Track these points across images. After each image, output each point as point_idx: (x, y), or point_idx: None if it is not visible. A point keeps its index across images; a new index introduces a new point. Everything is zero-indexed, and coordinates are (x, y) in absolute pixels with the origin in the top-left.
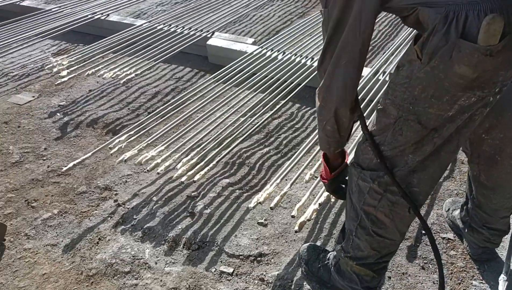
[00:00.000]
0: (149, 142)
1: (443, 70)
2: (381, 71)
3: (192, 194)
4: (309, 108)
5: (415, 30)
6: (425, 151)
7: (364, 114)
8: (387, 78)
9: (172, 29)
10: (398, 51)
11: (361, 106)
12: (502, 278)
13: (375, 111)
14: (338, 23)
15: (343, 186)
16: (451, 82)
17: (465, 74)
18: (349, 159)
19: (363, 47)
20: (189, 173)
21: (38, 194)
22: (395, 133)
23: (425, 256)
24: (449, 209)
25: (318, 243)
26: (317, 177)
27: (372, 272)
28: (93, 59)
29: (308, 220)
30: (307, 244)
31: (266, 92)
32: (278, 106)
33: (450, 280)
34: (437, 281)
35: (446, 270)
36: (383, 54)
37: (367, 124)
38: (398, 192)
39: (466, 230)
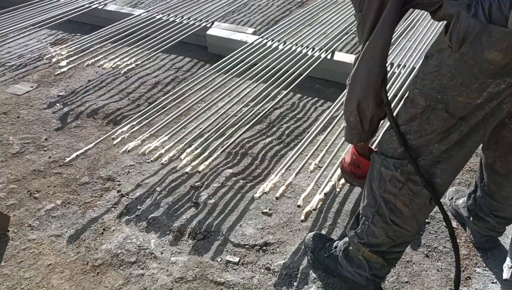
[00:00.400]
0: (152, 132)
1: (473, 57)
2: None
3: (196, 184)
4: (310, 98)
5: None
6: (451, 140)
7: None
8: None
9: (171, 19)
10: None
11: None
12: (506, 265)
13: (401, 102)
14: (374, 25)
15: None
16: (481, 68)
17: (496, 60)
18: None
19: (384, 45)
20: (193, 163)
21: (41, 185)
22: (422, 122)
23: (429, 245)
24: (452, 198)
25: (323, 232)
26: (321, 167)
27: (383, 260)
28: (92, 49)
29: (314, 209)
30: (313, 233)
31: (268, 82)
32: (279, 96)
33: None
34: (441, 268)
35: (450, 258)
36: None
37: (393, 114)
38: (420, 182)
39: (471, 219)
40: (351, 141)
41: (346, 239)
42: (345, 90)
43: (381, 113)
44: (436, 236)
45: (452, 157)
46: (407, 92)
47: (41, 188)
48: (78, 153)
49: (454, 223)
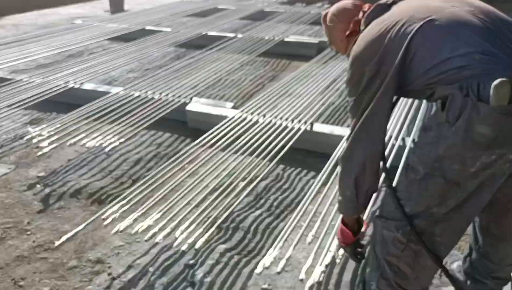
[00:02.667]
0: (143, 211)
1: (467, 130)
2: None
3: (190, 262)
4: (293, 168)
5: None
6: (450, 205)
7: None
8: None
9: (149, 96)
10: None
11: None
12: None
13: (400, 170)
14: (366, 109)
15: (360, 250)
16: (473, 141)
17: (485, 133)
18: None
19: (380, 127)
20: (189, 240)
21: (25, 272)
22: (420, 189)
23: None
24: (446, 263)
25: None
26: (318, 238)
27: None
28: (73, 128)
29: (318, 283)
30: None
31: (252, 155)
32: (265, 169)
33: None
34: None
35: None
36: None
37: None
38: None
39: (468, 282)
40: (346, 213)
41: None
42: (338, 168)
43: (376, 187)
44: None
45: (452, 219)
46: (406, 159)
47: (26, 275)
48: (68, 236)
49: (452, 288)
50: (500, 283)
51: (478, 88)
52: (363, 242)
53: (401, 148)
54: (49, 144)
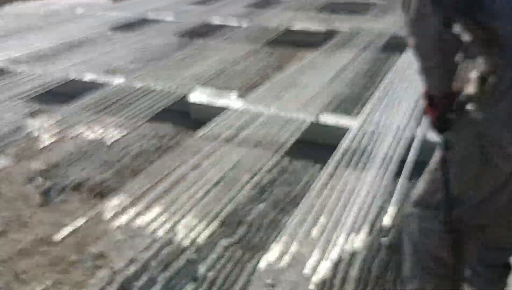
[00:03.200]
0: (145, 204)
1: (509, 113)
2: (368, 121)
3: (193, 256)
4: (299, 161)
5: None
6: (485, 190)
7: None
8: (372, 129)
9: (151, 87)
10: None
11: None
12: None
13: (436, 153)
14: None
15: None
16: None
17: None
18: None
19: None
20: (191, 235)
21: (28, 266)
22: (457, 167)
23: None
24: None
25: None
26: (323, 232)
27: None
28: (75, 120)
29: (323, 278)
30: None
31: (256, 147)
32: (270, 161)
33: None
34: None
35: None
36: (366, 104)
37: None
38: (460, 230)
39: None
40: (437, 91)
41: None
42: (409, 33)
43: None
44: None
45: (496, 200)
46: (444, 139)
47: (29, 268)
48: (69, 229)
49: None
50: (495, 270)
51: None
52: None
53: (409, 139)
54: (50, 136)
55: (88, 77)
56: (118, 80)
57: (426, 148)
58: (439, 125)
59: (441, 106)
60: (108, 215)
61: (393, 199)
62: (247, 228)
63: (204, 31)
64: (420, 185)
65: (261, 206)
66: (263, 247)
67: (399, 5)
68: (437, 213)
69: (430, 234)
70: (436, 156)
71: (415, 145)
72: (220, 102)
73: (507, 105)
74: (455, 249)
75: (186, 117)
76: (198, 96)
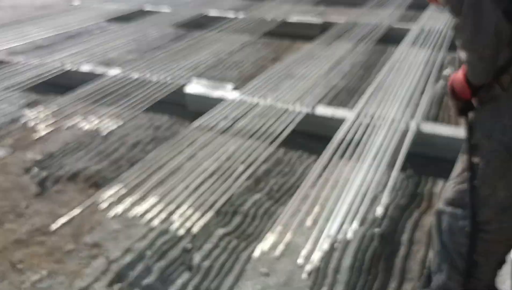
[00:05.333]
0: (140, 194)
1: None
2: (362, 114)
3: (188, 246)
4: (294, 152)
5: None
6: None
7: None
8: (367, 121)
9: (148, 78)
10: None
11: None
12: None
13: (460, 157)
14: None
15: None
16: None
17: None
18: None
19: None
20: (186, 224)
21: (24, 255)
22: (484, 166)
23: None
24: None
25: (324, 289)
26: (317, 222)
27: None
28: (70, 111)
29: (317, 267)
30: None
31: (252, 138)
32: (265, 152)
33: None
34: None
35: None
36: (362, 96)
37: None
38: (491, 230)
39: None
40: (485, 79)
41: None
42: (464, 26)
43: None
44: None
45: None
46: (467, 141)
47: (25, 258)
48: (64, 220)
49: None
50: None
51: None
52: None
53: (404, 131)
54: (46, 127)
55: (84, 68)
56: (114, 71)
57: (420, 140)
58: (465, 108)
59: (470, 93)
60: (103, 205)
61: (386, 190)
62: (242, 218)
63: (201, 22)
64: (451, 185)
65: (256, 196)
66: (257, 237)
67: None
68: (467, 213)
69: (459, 233)
70: (463, 157)
71: (409, 137)
72: (216, 93)
73: None
74: (482, 250)
75: (182, 108)
76: (194, 87)
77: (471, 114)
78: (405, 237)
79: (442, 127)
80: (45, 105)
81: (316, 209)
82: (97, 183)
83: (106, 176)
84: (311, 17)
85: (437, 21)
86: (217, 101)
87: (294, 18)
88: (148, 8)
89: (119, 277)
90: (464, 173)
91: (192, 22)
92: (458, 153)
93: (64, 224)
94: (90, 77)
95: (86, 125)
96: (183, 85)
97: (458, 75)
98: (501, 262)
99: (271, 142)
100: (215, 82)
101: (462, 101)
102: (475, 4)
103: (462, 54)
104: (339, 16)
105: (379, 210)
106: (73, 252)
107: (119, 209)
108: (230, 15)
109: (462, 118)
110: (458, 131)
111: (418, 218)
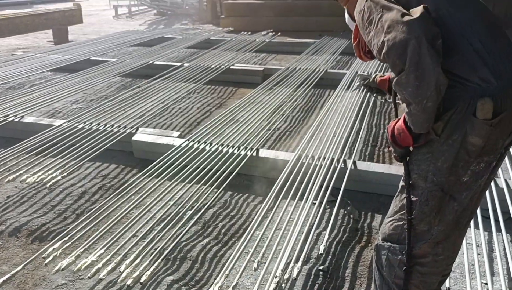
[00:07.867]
0: (86, 246)
1: (461, 141)
2: (304, 155)
3: None
4: (241, 194)
5: None
6: (449, 220)
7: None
8: (310, 161)
9: (94, 127)
10: (315, 133)
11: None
12: None
13: (397, 196)
14: None
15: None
16: (466, 150)
17: (476, 143)
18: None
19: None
20: (134, 275)
21: None
22: (421, 204)
23: None
24: None
25: None
26: (264, 263)
27: None
28: (13, 163)
29: None
30: None
31: (200, 183)
32: (212, 196)
33: None
34: None
35: None
36: (303, 138)
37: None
38: (427, 263)
39: None
40: (427, 127)
41: None
42: (404, 84)
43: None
44: None
45: (450, 235)
46: (406, 181)
47: None
48: (4, 278)
49: None
50: None
51: (474, 104)
52: None
53: (343, 170)
54: None
55: (27, 119)
56: (59, 122)
57: (358, 178)
58: (405, 154)
59: (412, 140)
60: (47, 259)
61: (329, 227)
62: (191, 264)
63: (147, 72)
64: (389, 221)
65: (205, 241)
66: (207, 282)
67: (329, 46)
68: (403, 247)
69: (397, 267)
70: (400, 196)
71: (347, 175)
72: (162, 140)
73: (459, 136)
74: (417, 282)
75: (130, 156)
76: (141, 136)
77: (408, 157)
78: (348, 272)
79: (376, 165)
80: None
81: (263, 250)
82: (41, 237)
83: (50, 229)
84: (253, 65)
85: (368, 65)
86: (164, 148)
87: (237, 66)
88: (94, 57)
89: None
90: (402, 211)
91: (138, 71)
92: (392, 188)
93: (5, 282)
94: (34, 128)
95: (29, 178)
96: (130, 133)
97: (399, 123)
98: None
99: (218, 186)
100: (161, 130)
101: (402, 147)
102: (417, 63)
103: (404, 106)
104: (279, 62)
105: (322, 248)
106: None
107: (63, 263)
108: (176, 63)
109: (402, 162)
110: (391, 169)
111: (360, 253)
